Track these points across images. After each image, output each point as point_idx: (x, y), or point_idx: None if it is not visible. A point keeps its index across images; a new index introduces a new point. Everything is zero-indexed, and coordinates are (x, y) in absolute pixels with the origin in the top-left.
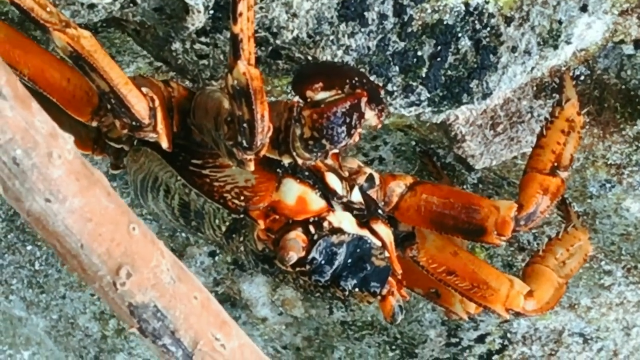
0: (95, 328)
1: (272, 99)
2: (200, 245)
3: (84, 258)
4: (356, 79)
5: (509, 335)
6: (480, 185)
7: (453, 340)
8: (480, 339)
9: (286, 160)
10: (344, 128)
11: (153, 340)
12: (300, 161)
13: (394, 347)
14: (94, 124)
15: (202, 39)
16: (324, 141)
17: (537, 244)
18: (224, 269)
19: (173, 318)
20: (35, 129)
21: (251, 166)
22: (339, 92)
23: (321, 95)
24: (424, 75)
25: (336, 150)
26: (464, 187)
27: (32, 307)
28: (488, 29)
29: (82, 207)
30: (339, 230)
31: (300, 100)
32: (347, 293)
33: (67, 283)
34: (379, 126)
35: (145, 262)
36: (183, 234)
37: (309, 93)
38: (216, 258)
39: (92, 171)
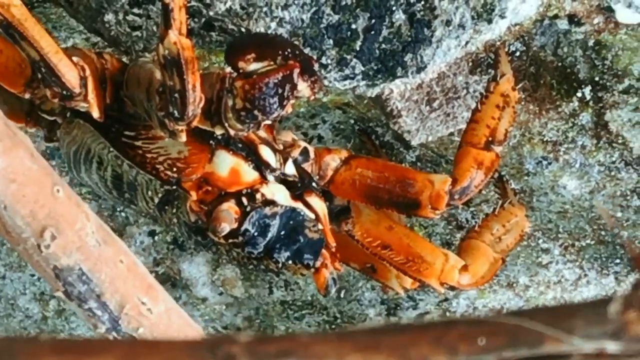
0: (35, 309)
1: None
2: (140, 224)
3: (7, 220)
4: (289, 50)
5: (448, 314)
6: (419, 164)
7: (392, 319)
8: (420, 318)
9: (218, 132)
10: (276, 99)
11: (79, 304)
12: (232, 132)
13: (333, 326)
14: (27, 96)
15: (135, 10)
16: (256, 112)
17: (475, 222)
18: (163, 248)
19: (99, 281)
20: None
21: (183, 137)
22: (272, 63)
23: (253, 66)
24: (358, 48)
25: (268, 122)
26: (403, 165)
27: None
28: (422, 2)
29: (5, 167)
30: (272, 202)
31: (233, 71)
32: (280, 265)
33: (7, 263)
34: (312, 98)
35: (70, 225)
36: (122, 214)
37: (241, 64)
38: (156, 238)
39: (15, 132)
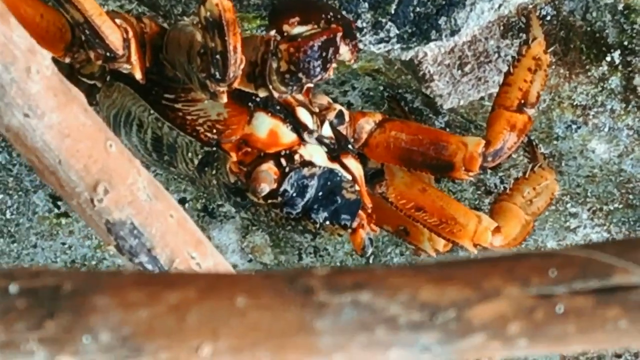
0: None
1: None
2: (170, 192)
3: (62, 174)
4: (331, 14)
5: None
6: (448, 129)
7: None
8: None
9: (262, 94)
10: (320, 62)
11: (130, 258)
12: (276, 94)
13: None
14: (67, 60)
15: None
16: (300, 74)
17: (504, 187)
18: (193, 215)
19: (150, 235)
20: (13, 43)
21: (224, 98)
22: (315, 26)
23: (298, 30)
24: (393, 11)
25: (311, 84)
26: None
27: (3, 257)
28: None
29: (60, 122)
30: (310, 163)
31: (277, 34)
32: (318, 226)
33: (39, 232)
34: (353, 61)
35: (122, 180)
36: None
37: (285, 27)
38: (186, 205)
39: (70, 87)
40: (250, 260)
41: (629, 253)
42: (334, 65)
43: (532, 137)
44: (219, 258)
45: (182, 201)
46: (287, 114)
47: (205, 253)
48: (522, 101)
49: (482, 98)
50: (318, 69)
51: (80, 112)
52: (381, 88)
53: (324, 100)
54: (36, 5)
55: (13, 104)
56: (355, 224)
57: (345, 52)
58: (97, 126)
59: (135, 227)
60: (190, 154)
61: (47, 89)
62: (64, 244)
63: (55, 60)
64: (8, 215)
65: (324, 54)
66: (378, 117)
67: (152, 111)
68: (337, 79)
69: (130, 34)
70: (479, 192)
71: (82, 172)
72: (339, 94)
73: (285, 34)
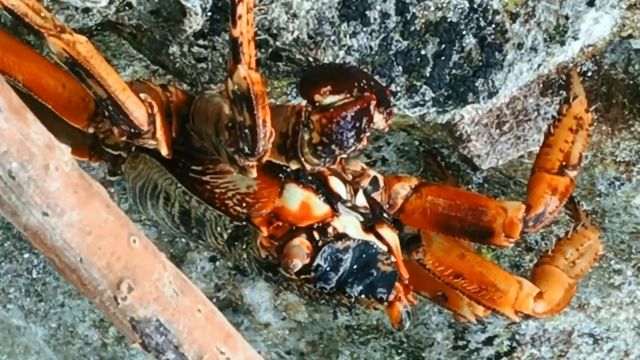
0: (95, 336)
1: (272, 100)
2: (201, 250)
3: (83, 272)
4: (364, 81)
5: (517, 337)
6: (486, 185)
7: (460, 343)
8: (488, 341)
9: (294, 166)
10: (353, 132)
11: (156, 355)
12: (308, 167)
13: (400, 350)
14: (90, 130)
15: (200, 41)
16: (333, 146)
17: (545, 243)
18: (225, 274)
19: (176, 332)
20: (31, 140)
21: (253, 173)
22: (348, 95)
23: (330, 100)
24: (428, 74)
25: (345, 155)
26: (469, 186)
27: (31, 316)
28: (493, 25)
29: (81, 220)
30: (343, 236)
31: (308, 105)
32: (353, 300)
33: (66, 291)
34: (387, 129)
35: (147, 275)
36: (183, 240)
37: (317, 97)
38: (217, 263)
39: (91, 183)
40: (283, 319)
41: None
42: (368, 134)
43: (575, 194)
44: (250, 351)
45: (212, 259)
46: (320, 185)
47: (236, 347)
48: (564, 163)
49: (521, 156)
50: (352, 140)
51: (102, 208)
52: (416, 143)
53: (357, 166)
54: (58, 76)
55: (31, 202)
56: (391, 297)
57: (379, 120)
58: (120, 222)
59: (161, 324)
60: (219, 228)
61: (67, 186)
62: (91, 302)
63: (79, 130)
64: (35, 274)
65: (357, 124)
66: (414, 181)
67: (179, 184)
68: (371, 134)
69: (156, 108)
70: (519, 248)
71: (105, 269)
72: (373, 149)
73: (317, 103)
